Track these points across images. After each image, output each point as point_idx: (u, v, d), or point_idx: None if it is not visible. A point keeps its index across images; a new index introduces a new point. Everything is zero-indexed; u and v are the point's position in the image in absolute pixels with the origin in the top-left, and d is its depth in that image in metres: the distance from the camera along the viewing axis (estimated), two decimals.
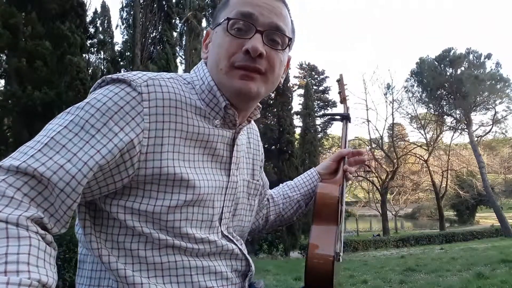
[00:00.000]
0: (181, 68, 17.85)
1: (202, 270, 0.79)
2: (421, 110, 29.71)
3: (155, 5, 18.88)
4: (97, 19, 19.83)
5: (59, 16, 10.08)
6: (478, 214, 39.52)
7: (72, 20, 10.41)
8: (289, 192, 1.19)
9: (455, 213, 38.94)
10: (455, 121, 28.28)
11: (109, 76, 0.77)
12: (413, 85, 28.27)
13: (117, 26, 33.40)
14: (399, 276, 7.52)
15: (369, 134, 29.08)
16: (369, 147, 29.50)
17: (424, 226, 39.65)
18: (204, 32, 0.96)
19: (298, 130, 23.21)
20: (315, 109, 28.38)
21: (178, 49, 19.29)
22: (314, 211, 1.07)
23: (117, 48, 20.20)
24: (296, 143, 19.94)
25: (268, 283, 6.91)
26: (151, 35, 19.27)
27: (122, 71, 16.80)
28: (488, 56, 25.71)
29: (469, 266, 8.15)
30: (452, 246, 18.41)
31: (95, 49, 18.39)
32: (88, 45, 15.53)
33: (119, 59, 18.83)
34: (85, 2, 11.34)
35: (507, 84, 25.46)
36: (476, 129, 27.52)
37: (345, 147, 1.25)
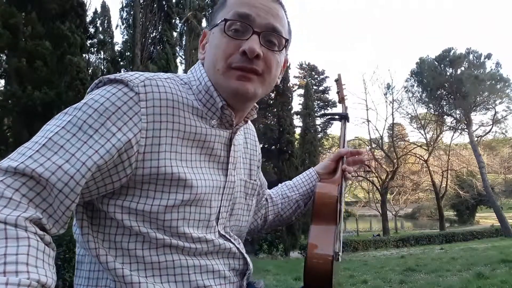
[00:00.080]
0: (181, 68, 17.85)
1: (199, 269, 0.79)
2: (421, 110, 29.76)
3: (155, 5, 18.89)
4: (97, 19, 19.83)
5: (59, 16, 10.09)
6: (478, 214, 39.52)
7: (72, 20, 10.41)
8: (287, 192, 1.19)
9: (455, 213, 38.94)
10: (455, 121, 28.31)
11: (106, 76, 0.78)
12: (413, 85, 28.30)
13: (117, 26, 33.39)
14: (399, 276, 7.52)
15: (369, 134, 29.12)
16: (369, 147, 29.49)
17: (424, 226, 39.65)
18: None
19: (298, 130, 23.21)
20: (315, 109, 28.37)
21: (178, 49, 19.30)
22: (313, 211, 1.08)
23: (117, 48, 20.23)
24: (296, 143, 19.94)
25: (268, 283, 6.91)
26: (151, 35, 19.28)
27: (122, 71, 16.80)
28: (488, 56, 25.73)
29: (469, 266, 8.15)
30: (452, 246, 18.41)
31: (95, 49, 18.39)
32: (88, 45, 15.53)
33: (119, 59, 18.84)
34: (85, 2, 11.35)
35: (507, 84, 25.47)
36: (476, 129, 27.57)
37: (343, 147, 1.25)
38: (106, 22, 20.69)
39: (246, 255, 0.89)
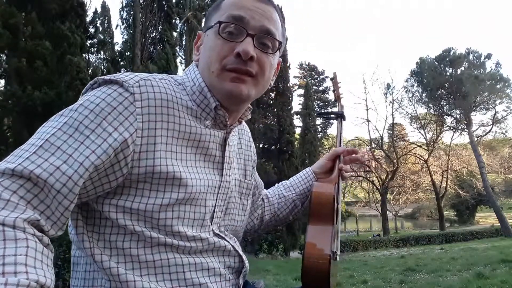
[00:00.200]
0: (181, 68, 17.85)
1: (194, 267, 0.79)
2: (421, 110, 29.76)
3: (155, 5, 18.88)
4: (97, 19, 19.82)
5: (59, 16, 10.08)
6: (478, 214, 39.53)
7: (72, 20, 10.40)
8: (284, 192, 1.19)
9: (455, 213, 38.94)
10: (455, 121, 28.30)
11: (101, 77, 0.78)
12: (413, 85, 28.30)
13: (117, 26, 33.38)
14: (399, 276, 7.51)
15: (369, 134, 29.08)
16: (369, 147, 29.50)
17: (424, 226, 39.65)
18: None
19: (298, 130, 23.20)
20: (315, 109, 28.35)
21: (178, 49, 19.30)
22: (310, 210, 1.08)
23: (117, 48, 20.21)
24: (296, 143, 19.92)
25: (268, 283, 6.91)
26: (151, 35, 19.27)
27: (122, 71, 16.80)
28: (488, 56, 25.73)
29: (469, 266, 8.14)
30: (452, 246, 18.41)
31: (95, 49, 18.38)
32: (88, 45, 15.52)
33: (119, 59, 18.83)
34: (85, 2, 11.33)
35: (507, 84, 25.47)
36: (476, 129, 27.57)
37: (340, 146, 1.25)
38: (106, 22, 20.68)
39: (241, 253, 0.90)
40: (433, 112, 28.78)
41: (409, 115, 29.86)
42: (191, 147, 0.82)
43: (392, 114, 28.36)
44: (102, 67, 17.28)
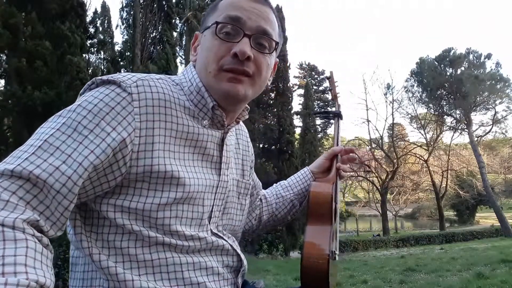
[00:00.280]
0: (181, 68, 17.83)
1: (192, 266, 0.80)
2: (421, 110, 29.75)
3: (155, 5, 18.88)
4: (97, 19, 19.81)
5: (59, 16, 10.07)
6: (478, 214, 39.51)
7: (72, 20, 10.40)
8: (282, 192, 1.20)
9: (455, 213, 38.93)
10: (455, 121, 28.30)
11: (99, 78, 0.78)
12: (413, 85, 28.29)
13: (117, 26, 33.37)
14: (399, 276, 7.51)
15: (369, 134, 29.08)
16: (369, 147, 29.49)
17: (424, 226, 39.64)
18: None
19: (298, 130, 23.19)
20: (315, 109, 28.35)
21: (178, 49, 19.30)
22: (308, 210, 1.08)
23: (117, 48, 20.22)
24: (296, 143, 19.91)
25: (268, 283, 6.91)
26: (151, 35, 19.28)
27: (122, 71, 16.79)
28: (488, 56, 25.72)
29: (469, 266, 8.14)
30: (452, 246, 18.40)
31: (95, 49, 18.36)
32: (88, 45, 15.51)
33: (119, 59, 18.83)
34: (85, 2, 11.33)
35: (507, 84, 25.47)
36: (476, 129, 27.56)
37: (337, 145, 1.25)
38: (106, 22, 20.68)
39: (240, 252, 0.90)
40: (433, 112, 28.78)
41: (409, 115, 29.90)
42: (189, 146, 0.82)
43: (392, 114, 28.39)
44: (102, 67, 17.28)
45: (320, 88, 40.80)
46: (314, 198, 1.08)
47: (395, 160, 27.46)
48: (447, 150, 30.03)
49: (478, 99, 25.51)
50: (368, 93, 38.43)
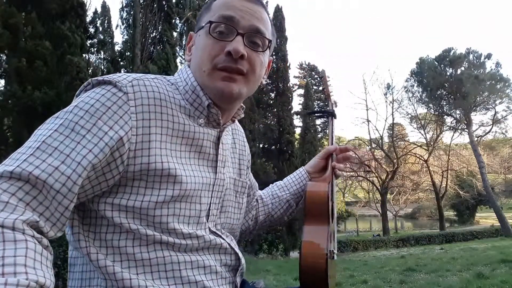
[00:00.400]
0: (181, 68, 17.76)
1: (190, 264, 0.80)
2: (421, 110, 29.72)
3: (155, 5, 18.86)
4: (97, 19, 19.79)
5: (59, 16, 10.07)
6: (478, 214, 39.53)
7: (72, 20, 10.39)
8: (278, 192, 1.20)
9: (455, 213, 38.94)
10: (455, 121, 28.28)
11: (95, 78, 0.79)
12: (413, 85, 28.27)
13: (117, 26, 33.32)
14: (399, 276, 7.51)
15: (369, 134, 29.04)
16: (369, 147, 29.49)
17: (424, 226, 39.66)
18: None
19: (298, 130, 23.19)
20: (315, 109, 28.34)
21: (178, 49, 19.27)
22: (305, 210, 1.08)
23: (117, 48, 20.17)
24: (296, 143, 19.92)
25: (268, 283, 6.90)
26: (151, 35, 19.25)
27: (122, 71, 16.80)
28: (488, 56, 25.70)
29: (469, 266, 8.14)
30: (452, 246, 18.39)
31: (95, 49, 18.35)
32: (88, 45, 15.50)
33: (119, 59, 18.80)
34: (85, 2, 11.32)
35: (507, 84, 25.46)
36: (476, 129, 27.56)
37: (332, 144, 1.25)
38: (106, 22, 20.65)
39: (238, 251, 0.90)
40: (433, 112, 28.76)
41: (409, 115, 29.88)
42: (185, 145, 0.83)
43: (392, 114, 28.38)
44: (102, 67, 17.27)
45: (320, 88, 40.78)
46: (310, 198, 1.08)
47: (395, 160, 27.46)
48: (447, 150, 30.02)
49: (478, 99, 25.50)
50: (368, 93, 38.39)
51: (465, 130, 26.89)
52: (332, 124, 1.32)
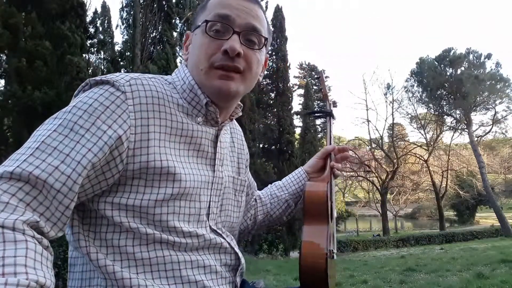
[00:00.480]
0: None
1: (190, 264, 0.80)
2: (421, 110, 29.74)
3: (155, 5, 18.86)
4: (97, 19, 19.79)
5: (59, 16, 10.07)
6: (478, 214, 39.53)
7: (72, 20, 10.39)
8: (276, 192, 1.20)
9: (455, 213, 38.95)
10: (455, 121, 28.29)
11: (93, 78, 0.80)
12: (413, 85, 28.28)
13: (117, 26, 33.34)
14: (399, 276, 7.51)
15: (369, 134, 29.07)
16: (369, 147, 29.49)
17: (424, 226, 39.66)
18: None
19: (298, 130, 23.19)
20: (315, 109, 28.32)
21: (178, 49, 19.28)
22: (304, 210, 1.08)
23: (117, 48, 20.17)
24: (296, 143, 19.92)
25: (268, 283, 6.90)
26: (151, 35, 19.25)
27: (122, 71, 16.78)
28: (488, 56, 25.70)
29: (469, 266, 8.14)
30: (452, 246, 18.39)
31: (95, 49, 18.35)
32: (88, 45, 15.50)
33: (119, 59, 18.80)
34: (85, 2, 11.31)
35: (507, 84, 25.46)
36: (476, 129, 27.56)
37: (330, 144, 1.25)
38: (106, 22, 20.66)
39: (238, 251, 0.90)
40: (433, 112, 28.77)
41: (409, 115, 29.89)
42: (183, 143, 0.83)
43: (392, 114, 28.40)
44: (102, 67, 17.27)
45: (320, 88, 40.80)
46: (309, 198, 1.08)
47: (395, 160, 27.46)
48: (447, 150, 30.02)
49: (478, 99, 25.50)
50: (368, 93, 38.48)
51: (465, 130, 26.89)
52: (331, 124, 1.33)
